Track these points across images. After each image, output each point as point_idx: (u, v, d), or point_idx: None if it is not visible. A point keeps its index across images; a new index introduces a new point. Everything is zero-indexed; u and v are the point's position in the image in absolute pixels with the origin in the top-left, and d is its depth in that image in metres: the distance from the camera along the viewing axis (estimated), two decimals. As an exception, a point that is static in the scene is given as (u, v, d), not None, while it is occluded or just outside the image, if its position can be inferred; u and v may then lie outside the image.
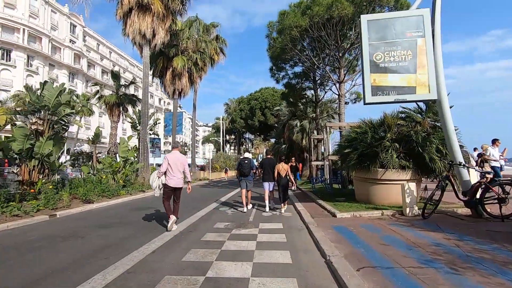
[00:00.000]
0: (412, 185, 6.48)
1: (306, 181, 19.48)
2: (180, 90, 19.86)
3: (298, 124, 20.72)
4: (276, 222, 6.47)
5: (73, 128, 28.93)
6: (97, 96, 21.00)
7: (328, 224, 5.85)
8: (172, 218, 5.52)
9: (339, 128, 12.14)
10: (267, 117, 41.51)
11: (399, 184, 6.78)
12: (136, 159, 15.43)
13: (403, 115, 8.30)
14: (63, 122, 9.95)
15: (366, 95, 6.30)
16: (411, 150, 7.42)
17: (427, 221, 5.74)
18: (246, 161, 7.75)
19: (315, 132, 19.27)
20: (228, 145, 59.52)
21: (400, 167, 7.32)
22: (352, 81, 13.02)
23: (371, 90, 6.29)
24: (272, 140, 53.53)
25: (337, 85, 11.80)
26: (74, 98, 29.48)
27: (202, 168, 28.02)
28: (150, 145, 27.68)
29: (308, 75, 15.94)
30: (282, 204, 7.72)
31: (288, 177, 7.73)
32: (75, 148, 28.76)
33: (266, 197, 7.81)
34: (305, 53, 13.09)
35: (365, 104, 6.42)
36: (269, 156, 8.94)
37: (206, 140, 49.51)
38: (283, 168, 7.74)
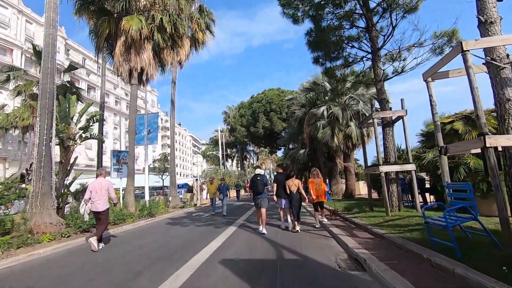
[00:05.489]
0: None
1: (351, 202, 11.53)
2: (140, 71, 12.64)
3: (326, 112, 12.96)
4: None
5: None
6: (12, 86, 13.33)
7: None
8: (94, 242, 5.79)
9: (494, 59, 4.09)
10: (273, 122, 33.88)
11: None
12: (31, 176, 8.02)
13: None
14: None
15: None
16: None
17: None
18: (259, 178, 7.28)
19: (361, 110, 11.45)
20: (229, 161, 51.77)
21: None
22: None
23: None
24: (280, 154, 45.89)
25: None
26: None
27: (190, 189, 20.32)
28: (114, 160, 20.21)
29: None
30: (295, 223, 7.07)
31: (299, 193, 7.25)
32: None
33: (282, 215, 7.63)
34: None
35: None
36: (281, 171, 7.80)
37: (203, 155, 42.28)
38: (293, 183, 7.23)
